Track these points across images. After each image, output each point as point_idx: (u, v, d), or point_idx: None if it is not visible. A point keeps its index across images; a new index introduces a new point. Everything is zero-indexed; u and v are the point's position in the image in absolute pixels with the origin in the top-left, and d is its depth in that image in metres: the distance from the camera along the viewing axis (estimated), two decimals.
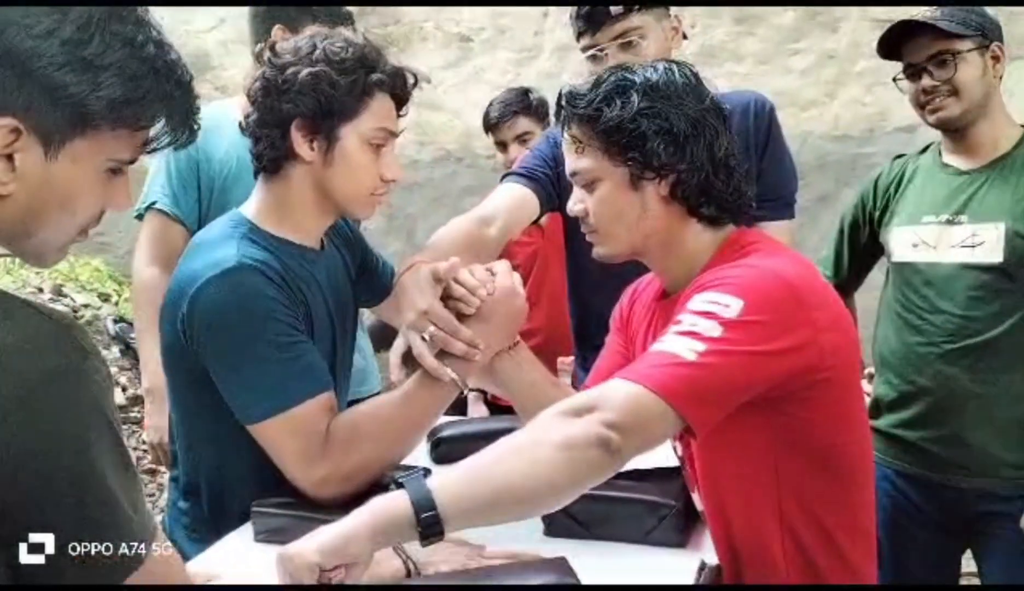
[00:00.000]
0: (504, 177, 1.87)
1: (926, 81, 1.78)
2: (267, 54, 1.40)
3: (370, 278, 1.69)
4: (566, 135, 1.28)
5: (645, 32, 1.76)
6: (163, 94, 0.84)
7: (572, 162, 1.29)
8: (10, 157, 0.78)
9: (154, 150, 0.87)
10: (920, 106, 1.82)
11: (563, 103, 1.28)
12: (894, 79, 1.86)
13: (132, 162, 0.86)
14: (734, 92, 1.82)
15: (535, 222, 1.88)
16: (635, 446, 1.08)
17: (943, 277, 1.79)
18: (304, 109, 1.36)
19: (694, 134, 1.22)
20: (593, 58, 1.79)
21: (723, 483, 1.25)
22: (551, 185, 1.82)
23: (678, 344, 1.09)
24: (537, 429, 1.08)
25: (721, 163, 1.24)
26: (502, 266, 1.43)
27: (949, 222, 1.80)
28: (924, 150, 1.95)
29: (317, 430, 1.34)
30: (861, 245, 2.01)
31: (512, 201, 1.77)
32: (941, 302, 1.79)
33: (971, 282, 1.76)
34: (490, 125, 2.84)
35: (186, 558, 1.36)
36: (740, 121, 1.76)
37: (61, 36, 0.78)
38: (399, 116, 1.46)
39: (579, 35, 1.81)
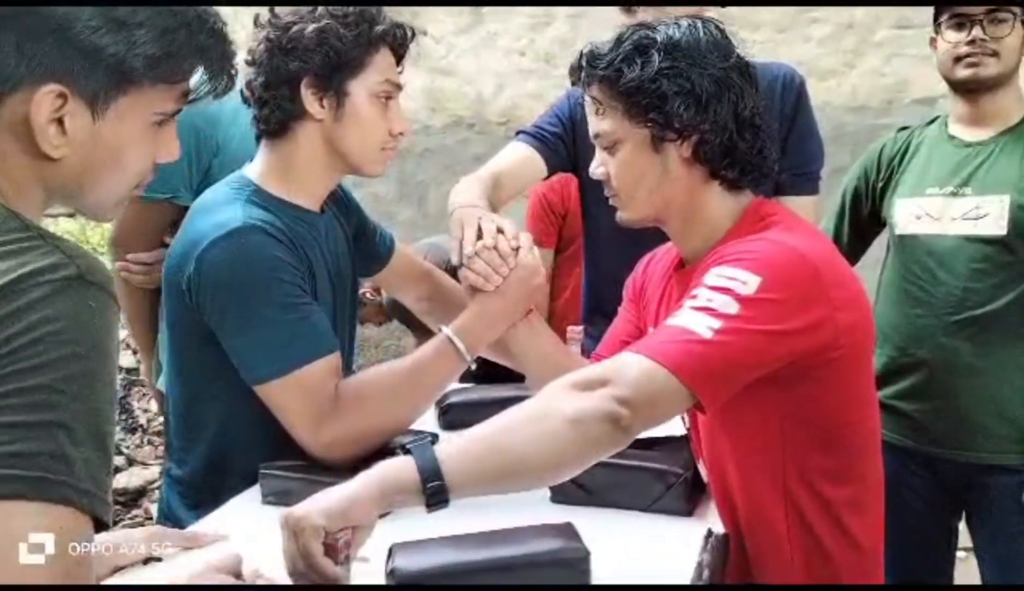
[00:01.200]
0: (518, 134, 1.88)
1: (977, 32, 1.76)
2: (266, 16, 1.39)
3: (367, 246, 1.67)
4: (587, 96, 1.26)
5: None
6: (197, 45, 0.85)
7: (594, 124, 1.26)
8: (60, 121, 0.80)
9: (195, 100, 0.89)
10: (956, 59, 1.79)
11: (583, 63, 1.25)
12: (935, 23, 1.83)
13: (176, 113, 0.89)
14: (765, 64, 1.80)
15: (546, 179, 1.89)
16: (645, 422, 1.07)
17: (945, 249, 1.78)
18: (313, 66, 1.36)
19: (717, 93, 1.19)
20: (626, 10, 1.79)
21: (728, 455, 1.24)
22: (562, 145, 1.83)
23: (694, 320, 1.08)
24: (547, 401, 1.07)
25: (746, 123, 1.21)
26: (525, 241, 1.42)
27: (953, 194, 1.79)
28: (931, 122, 1.93)
29: (325, 391, 1.34)
30: (862, 217, 1.99)
31: (517, 162, 1.79)
32: (943, 274, 1.78)
33: (973, 254, 1.75)
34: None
35: (181, 525, 1.37)
36: (768, 93, 1.74)
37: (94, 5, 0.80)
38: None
39: None
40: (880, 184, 1.94)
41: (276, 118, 1.40)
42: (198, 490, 1.45)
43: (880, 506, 1.27)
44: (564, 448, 1.05)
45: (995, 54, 1.75)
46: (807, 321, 1.10)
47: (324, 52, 1.35)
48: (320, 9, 1.36)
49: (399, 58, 1.45)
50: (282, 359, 1.33)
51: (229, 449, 1.44)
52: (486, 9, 4.13)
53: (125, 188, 0.88)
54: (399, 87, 1.44)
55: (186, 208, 1.96)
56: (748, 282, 1.09)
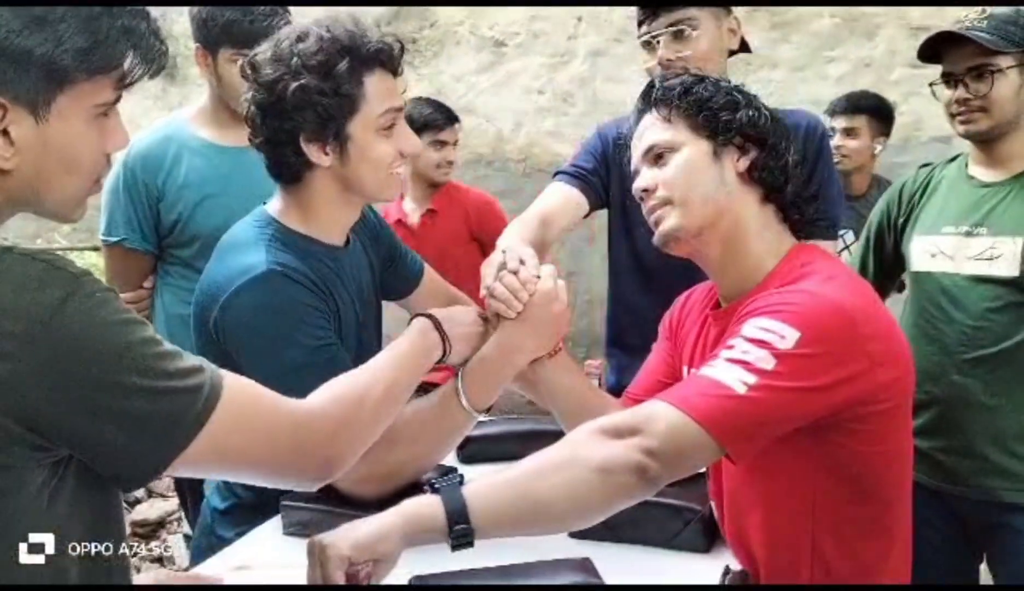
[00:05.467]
0: (556, 174, 1.92)
1: (961, 92, 1.78)
2: (249, 72, 1.38)
3: (399, 270, 1.68)
4: (653, 112, 1.29)
5: (697, 24, 1.78)
6: (123, 28, 0.84)
7: (654, 135, 1.28)
8: (5, 132, 0.80)
9: (131, 84, 0.88)
10: (951, 115, 1.82)
11: (655, 85, 1.30)
12: (930, 85, 1.86)
13: (117, 101, 0.88)
14: (788, 111, 1.84)
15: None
16: (672, 474, 1.07)
17: (959, 288, 1.79)
18: (306, 123, 1.35)
19: (774, 130, 1.27)
20: (647, 45, 1.84)
21: (754, 503, 1.22)
22: (600, 183, 1.87)
23: (729, 373, 1.07)
24: (576, 447, 1.08)
25: (795, 165, 1.28)
26: (547, 270, 1.43)
27: (968, 234, 1.80)
28: (952, 160, 1.94)
29: None
30: (887, 253, 2.00)
31: (561, 202, 1.84)
32: (955, 312, 1.79)
33: (986, 294, 1.76)
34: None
35: (225, 542, 1.40)
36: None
37: (7, 6, 0.79)
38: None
39: (639, 24, 1.87)
40: (901, 221, 1.95)
41: (286, 171, 1.41)
42: (244, 509, 1.47)
43: (908, 560, 1.25)
44: (590, 497, 1.05)
45: (983, 109, 1.76)
46: (843, 374, 1.09)
47: (312, 109, 1.33)
48: (296, 60, 1.33)
49: (396, 72, 1.42)
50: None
51: None
52: (507, 48, 4.20)
53: (83, 186, 0.88)
54: (400, 110, 1.41)
55: (156, 256, 2.07)
56: (787, 336, 1.08)
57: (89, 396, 0.79)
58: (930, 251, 1.85)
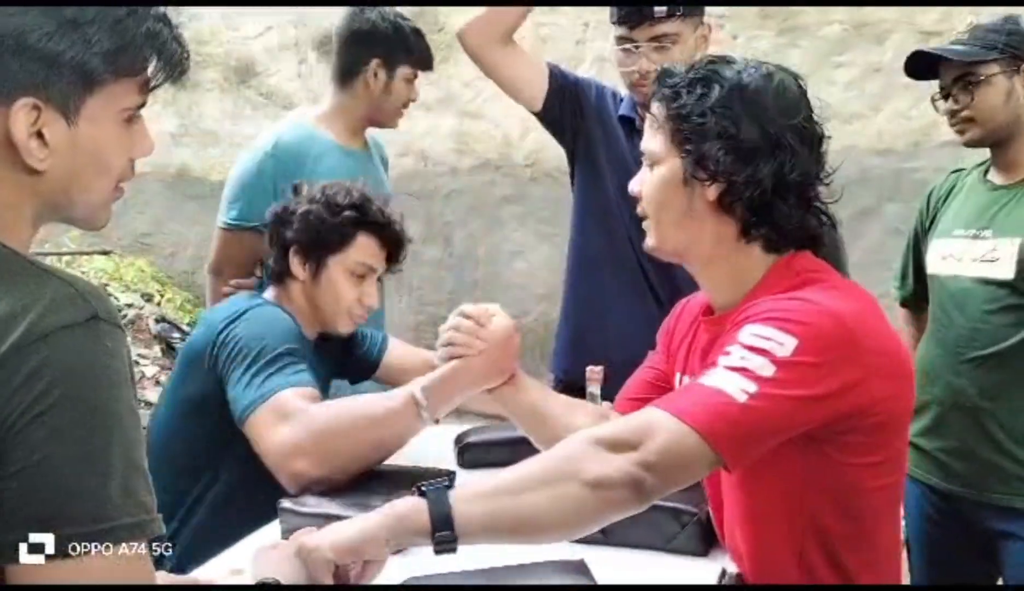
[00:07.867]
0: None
1: (950, 104, 1.80)
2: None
3: (357, 358, 1.88)
4: (650, 111, 1.23)
5: (678, 38, 1.84)
6: (148, 32, 0.85)
7: (645, 139, 1.23)
8: (39, 134, 0.82)
9: (155, 87, 0.90)
10: (952, 126, 1.84)
11: (657, 78, 1.23)
12: (932, 99, 1.87)
13: (142, 106, 0.89)
14: None
15: None
16: (668, 486, 1.06)
17: (962, 290, 1.80)
18: (300, 238, 1.67)
19: (765, 149, 1.13)
20: (625, 51, 1.87)
21: (743, 510, 1.20)
22: (568, 100, 2.01)
23: (729, 381, 1.05)
24: (569, 459, 1.05)
25: (791, 186, 1.14)
26: (495, 308, 1.45)
27: (975, 236, 1.81)
28: (981, 164, 1.93)
29: (295, 407, 1.46)
30: (921, 259, 1.99)
31: (537, 66, 2.04)
32: (956, 315, 1.80)
33: (985, 296, 1.76)
34: None
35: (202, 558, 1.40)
36: None
37: (38, 7, 0.81)
38: (394, 258, 1.74)
39: (617, 23, 1.89)
40: (927, 225, 1.96)
41: (275, 271, 1.73)
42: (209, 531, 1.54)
43: (897, 568, 1.23)
44: (580, 511, 1.04)
45: (971, 120, 1.78)
46: (840, 384, 1.07)
47: (307, 230, 1.66)
48: (319, 194, 1.67)
49: (389, 246, 1.72)
50: (261, 391, 1.48)
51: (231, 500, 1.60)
52: None
53: (108, 192, 0.89)
54: (374, 270, 1.71)
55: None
56: (784, 344, 1.06)
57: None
58: (942, 254, 1.86)
